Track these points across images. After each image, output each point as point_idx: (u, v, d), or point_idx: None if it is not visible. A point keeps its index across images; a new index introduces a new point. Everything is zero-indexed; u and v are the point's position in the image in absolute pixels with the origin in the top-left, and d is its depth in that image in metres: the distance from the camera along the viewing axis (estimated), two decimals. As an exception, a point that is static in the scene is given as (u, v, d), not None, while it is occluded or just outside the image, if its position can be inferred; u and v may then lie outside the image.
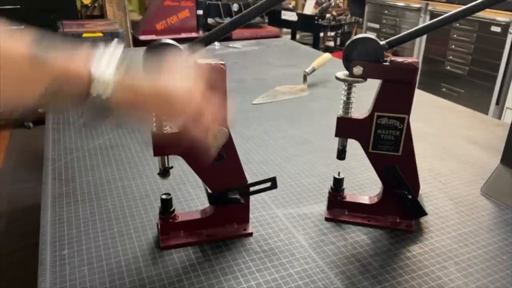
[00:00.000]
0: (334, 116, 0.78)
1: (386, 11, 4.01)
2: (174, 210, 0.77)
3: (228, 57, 2.15)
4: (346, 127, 0.78)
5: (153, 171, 1.01)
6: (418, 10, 3.65)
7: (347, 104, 0.77)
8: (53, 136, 1.18)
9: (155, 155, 0.70)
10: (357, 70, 0.72)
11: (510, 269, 0.72)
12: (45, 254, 0.72)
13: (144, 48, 0.65)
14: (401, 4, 3.83)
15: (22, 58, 0.43)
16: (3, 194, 2.42)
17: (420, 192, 0.82)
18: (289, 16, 4.29)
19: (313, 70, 1.71)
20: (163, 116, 0.52)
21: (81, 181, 0.95)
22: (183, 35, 3.89)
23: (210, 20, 4.21)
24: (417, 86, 0.82)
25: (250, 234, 0.79)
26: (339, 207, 0.86)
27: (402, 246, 0.77)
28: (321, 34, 4.91)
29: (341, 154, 0.82)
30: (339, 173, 0.85)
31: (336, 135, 0.79)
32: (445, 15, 0.72)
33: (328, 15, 4.12)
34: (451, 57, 3.42)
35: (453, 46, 3.38)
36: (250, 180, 0.77)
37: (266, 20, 4.47)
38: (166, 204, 0.76)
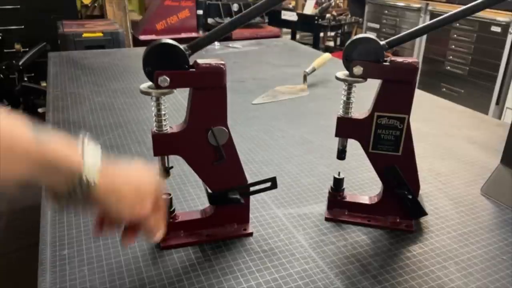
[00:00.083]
0: (334, 116, 0.78)
1: (386, 11, 4.01)
2: (174, 210, 0.77)
3: (228, 57, 2.15)
4: (346, 127, 0.78)
5: (153, 171, 1.01)
6: (418, 10, 3.65)
7: (347, 104, 0.77)
8: (53, 136, 1.18)
9: (155, 155, 0.70)
10: (357, 70, 0.72)
11: (510, 269, 0.72)
12: (45, 254, 0.72)
13: (144, 48, 0.65)
14: (401, 4, 3.83)
15: (28, 141, 0.47)
16: (3, 194, 2.42)
17: (420, 192, 0.82)
18: (289, 16, 4.29)
19: (313, 70, 1.71)
20: (133, 200, 0.57)
21: (81, 181, 0.95)
22: (183, 35, 3.89)
23: (210, 20, 4.21)
24: (417, 86, 0.82)
25: (250, 234, 0.79)
26: (339, 207, 0.86)
27: (402, 246, 0.77)
28: (321, 34, 4.91)
29: (341, 154, 0.82)
30: (339, 173, 0.85)
31: (336, 135, 0.79)
32: (445, 15, 0.72)
33: (328, 15, 4.12)
34: (451, 57, 3.42)
35: (453, 46, 3.38)
36: (250, 180, 0.77)
37: (266, 20, 4.47)
38: (166, 204, 0.76)
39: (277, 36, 4.14)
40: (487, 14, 3.02)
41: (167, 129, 0.69)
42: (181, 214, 0.78)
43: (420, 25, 0.74)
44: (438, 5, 3.50)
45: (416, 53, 3.71)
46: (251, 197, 0.79)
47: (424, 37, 3.65)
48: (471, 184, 1.00)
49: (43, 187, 0.50)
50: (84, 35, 3.00)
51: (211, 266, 0.71)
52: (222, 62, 0.67)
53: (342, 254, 0.75)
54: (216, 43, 2.37)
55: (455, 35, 3.34)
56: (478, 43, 3.18)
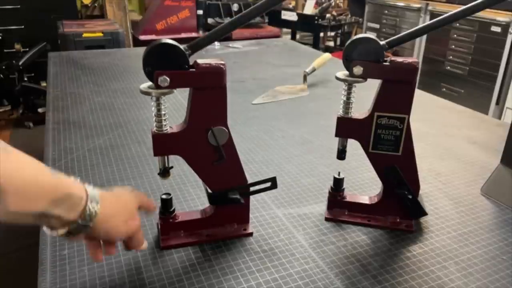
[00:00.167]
0: (334, 116, 0.78)
1: (386, 11, 4.01)
2: (174, 210, 0.77)
3: (228, 57, 2.15)
4: (346, 127, 0.78)
5: (153, 171, 1.01)
6: (418, 10, 3.65)
7: (347, 104, 0.77)
8: (53, 136, 1.18)
9: (155, 155, 0.70)
10: (357, 70, 0.72)
11: (510, 269, 0.72)
12: (45, 254, 0.72)
13: (144, 48, 0.65)
14: (401, 4, 3.83)
15: (48, 173, 0.51)
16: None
17: (420, 192, 0.82)
18: (289, 16, 4.29)
19: (313, 70, 1.71)
20: (126, 216, 0.61)
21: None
22: (183, 35, 3.89)
23: (210, 20, 4.21)
24: (417, 86, 0.82)
25: (250, 234, 0.79)
26: (339, 207, 0.86)
27: (402, 246, 0.77)
28: (321, 34, 4.91)
29: (341, 154, 0.82)
30: (339, 173, 0.85)
31: (336, 135, 0.79)
32: (445, 15, 0.72)
33: (328, 15, 4.12)
34: (451, 57, 3.42)
35: (453, 46, 3.38)
36: (250, 180, 0.77)
37: (266, 20, 4.47)
38: (166, 204, 0.76)
39: (277, 36, 4.14)
40: (487, 14, 3.02)
41: (167, 129, 0.69)
42: (181, 214, 0.78)
43: (420, 25, 0.74)
44: (438, 5, 3.50)
45: (416, 53, 3.71)
46: (251, 197, 0.79)
47: (424, 37, 3.65)
48: (471, 184, 1.00)
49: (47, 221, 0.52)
50: (84, 35, 3.00)
51: (211, 266, 0.71)
52: (222, 62, 0.67)
53: (342, 254, 0.75)
54: (216, 43, 2.37)
55: (455, 35, 3.34)
56: (478, 43, 3.18)
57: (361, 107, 0.79)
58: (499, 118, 3.07)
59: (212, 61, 0.67)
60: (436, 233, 0.81)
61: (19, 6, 3.55)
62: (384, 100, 0.74)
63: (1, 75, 3.28)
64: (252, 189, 0.77)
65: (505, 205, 0.91)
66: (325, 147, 1.16)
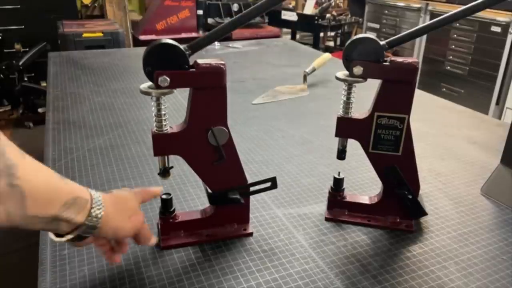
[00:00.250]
0: (334, 116, 0.78)
1: (386, 11, 4.01)
2: (174, 210, 0.77)
3: (228, 57, 2.15)
4: (346, 127, 0.78)
5: (153, 171, 1.01)
6: (418, 10, 3.65)
7: (347, 104, 0.77)
8: (53, 136, 1.18)
9: (155, 155, 0.70)
10: (357, 70, 0.72)
11: (510, 269, 0.72)
12: (45, 254, 0.72)
13: (144, 48, 0.65)
14: (401, 4, 3.83)
15: (60, 178, 0.52)
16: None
17: (420, 192, 0.82)
18: (289, 16, 4.29)
19: (313, 70, 1.71)
20: (128, 213, 0.62)
21: (81, 181, 0.95)
22: (183, 35, 3.89)
23: (210, 20, 4.21)
24: (417, 86, 0.82)
25: (250, 234, 0.79)
26: (339, 207, 0.86)
27: (402, 246, 0.77)
28: (321, 34, 4.91)
29: (341, 154, 0.82)
30: (339, 173, 0.85)
31: (336, 135, 0.79)
32: (445, 15, 0.72)
33: (328, 15, 4.12)
34: (451, 57, 3.42)
35: (453, 46, 3.38)
36: (250, 180, 0.77)
37: (266, 20, 4.47)
38: (166, 204, 0.76)
39: (277, 36, 4.14)
40: (487, 14, 3.02)
41: (167, 129, 0.69)
42: (181, 214, 0.78)
43: (420, 25, 0.74)
44: (438, 5, 3.50)
45: (416, 53, 3.71)
46: (251, 197, 0.79)
47: (424, 37, 3.65)
48: (471, 184, 1.00)
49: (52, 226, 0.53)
50: (84, 35, 3.00)
51: (211, 266, 0.71)
52: (222, 62, 0.67)
53: (342, 254, 0.75)
54: (216, 43, 2.37)
55: (455, 35, 3.34)
56: (478, 43, 3.18)
57: (361, 107, 0.79)
58: (499, 118, 3.07)
59: (212, 61, 0.67)
60: (436, 233, 0.81)
61: (19, 6, 3.55)
62: (384, 100, 0.74)
63: (1, 75, 3.28)
64: (252, 189, 0.77)
65: (505, 205, 0.91)
66: (325, 147, 1.16)
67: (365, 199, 0.86)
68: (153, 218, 0.83)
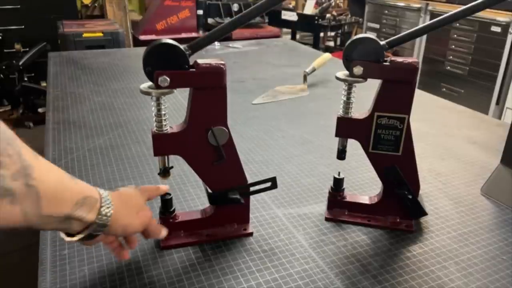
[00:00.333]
0: (334, 116, 0.78)
1: (386, 11, 4.01)
2: (174, 210, 0.77)
3: (228, 57, 2.15)
4: (346, 127, 0.78)
5: (153, 171, 1.01)
6: (418, 10, 3.65)
7: (347, 104, 0.77)
8: (53, 136, 1.18)
9: (155, 155, 0.70)
10: (357, 70, 0.72)
11: (510, 269, 0.72)
12: (45, 254, 0.72)
13: (144, 48, 0.65)
14: (401, 4, 3.83)
15: (71, 179, 0.53)
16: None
17: (420, 192, 0.82)
18: (289, 16, 4.29)
19: (313, 70, 1.71)
20: (135, 209, 0.63)
21: (81, 181, 0.95)
22: (183, 35, 3.89)
23: (210, 20, 4.21)
24: (417, 86, 0.82)
25: (250, 234, 0.79)
26: (339, 207, 0.86)
27: (402, 246, 0.77)
28: (321, 34, 4.91)
29: (341, 154, 0.82)
30: (339, 173, 0.84)
31: (336, 135, 0.79)
32: (445, 15, 0.72)
33: (328, 15, 4.12)
34: (451, 57, 3.42)
35: (453, 46, 3.38)
36: (250, 180, 0.77)
37: (266, 20, 4.47)
38: (166, 204, 0.76)
39: (277, 36, 4.14)
40: (487, 14, 3.01)
41: (167, 129, 0.69)
42: (181, 214, 0.78)
43: (420, 25, 0.74)
44: (438, 5, 3.50)
45: (416, 53, 3.71)
46: (251, 197, 0.79)
47: (424, 37, 3.65)
48: (471, 184, 1.00)
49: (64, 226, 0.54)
50: (84, 35, 3.00)
51: (211, 266, 0.71)
52: (222, 62, 0.67)
53: (342, 254, 0.75)
54: (216, 43, 2.37)
55: (455, 35, 3.34)
56: (478, 43, 3.18)
57: (361, 107, 0.79)
58: (499, 118, 3.07)
59: (212, 61, 0.67)
60: (436, 233, 0.81)
61: (19, 6, 3.55)
62: (384, 100, 0.74)
63: (1, 75, 3.28)
64: (252, 189, 0.77)
65: (505, 205, 0.91)
66: (325, 147, 1.16)
67: (365, 199, 0.86)
68: (153, 218, 0.82)
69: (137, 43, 3.84)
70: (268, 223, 0.83)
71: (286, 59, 2.20)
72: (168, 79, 0.64)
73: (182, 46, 0.64)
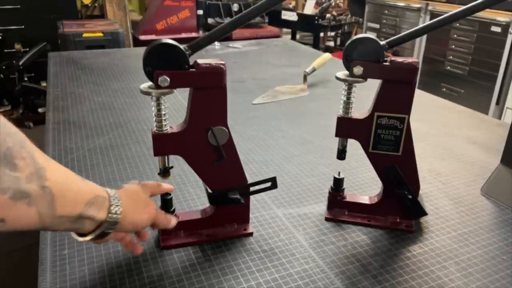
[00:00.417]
0: (334, 116, 0.78)
1: (386, 11, 4.01)
2: (174, 210, 0.77)
3: (228, 57, 2.15)
4: (346, 127, 0.78)
5: (153, 171, 1.01)
6: (418, 10, 3.65)
7: (347, 104, 0.77)
8: (53, 136, 1.18)
9: (155, 155, 0.70)
10: (357, 70, 0.72)
11: (510, 269, 0.72)
12: (45, 254, 0.72)
13: (144, 48, 0.65)
14: (401, 4, 3.83)
15: (81, 180, 0.54)
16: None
17: (420, 192, 0.82)
18: (289, 16, 4.29)
19: (313, 70, 1.71)
20: (142, 204, 0.64)
21: (81, 181, 0.95)
22: (183, 35, 3.89)
23: (210, 20, 4.21)
24: (417, 86, 0.82)
25: (250, 234, 0.79)
26: (339, 207, 0.86)
27: (402, 246, 0.77)
28: (321, 34, 4.91)
29: (341, 154, 0.82)
30: (339, 173, 0.85)
31: (336, 135, 0.79)
32: (445, 15, 0.72)
33: (328, 15, 4.12)
34: (451, 57, 3.42)
35: (453, 46, 3.38)
36: (250, 180, 0.77)
37: (266, 20, 4.47)
38: (166, 204, 0.76)
39: (277, 36, 4.15)
40: (487, 14, 3.01)
41: (167, 129, 0.69)
42: (181, 214, 0.78)
43: (420, 25, 0.74)
44: (438, 5, 3.50)
45: (416, 53, 3.71)
46: (251, 197, 0.79)
47: (424, 37, 3.65)
48: (471, 184, 1.00)
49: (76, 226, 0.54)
50: (84, 35, 3.00)
51: (211, 266, 0.71)
52: (222, 62, 0.67)
53: (342, 254, 0.75)
54: (216, 43, 2.37)
55: (455, 35, 3.34)
56: (478, 43, 3.18)
57: (361, 107, 0.79)
58: (499, 118, 3.07)
59: (212, 61, 0.67)
60: (436, 233, 0.81)
61: (19, 6, 3.55)
62: (384, 100, 0.74)
63: (1, 75, 3.28)
64: (252, 189, 0.77)
65: (505, 205, 0.91)
66: (325, 147, 1.16)
67: (365, 199, 0.86)
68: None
69: (137, 43, 3.84)
70: (268, 223, 0.83)
71: (286, 59, 2.20)
72: (168, 79, 0.64)
73: (182, 46, 0.64)
